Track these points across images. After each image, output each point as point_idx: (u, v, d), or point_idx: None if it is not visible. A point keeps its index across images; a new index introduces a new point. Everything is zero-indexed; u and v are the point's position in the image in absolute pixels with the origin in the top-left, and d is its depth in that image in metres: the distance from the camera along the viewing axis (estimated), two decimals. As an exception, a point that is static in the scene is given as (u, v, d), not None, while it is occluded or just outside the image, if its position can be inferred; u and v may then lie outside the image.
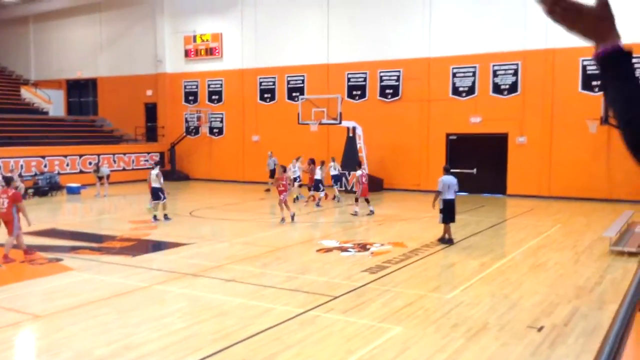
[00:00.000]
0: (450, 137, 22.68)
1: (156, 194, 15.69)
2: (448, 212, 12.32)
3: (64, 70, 32.55)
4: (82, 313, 7.68)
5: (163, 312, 7.91)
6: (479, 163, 21.38)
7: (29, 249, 11.28)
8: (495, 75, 21.69)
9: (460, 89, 22.37)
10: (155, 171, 15.89)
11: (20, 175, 21.60)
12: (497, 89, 21.68)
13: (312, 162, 19.72)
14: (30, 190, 21.39)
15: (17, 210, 10.92)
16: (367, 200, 16.73)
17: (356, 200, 16.70)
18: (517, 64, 21.19)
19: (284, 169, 16.18)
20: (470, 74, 22.17)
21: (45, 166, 23.69)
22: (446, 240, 12.43)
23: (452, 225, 12.56)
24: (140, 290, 8.89)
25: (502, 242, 13.81)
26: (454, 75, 22.42)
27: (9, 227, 10.86)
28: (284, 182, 15.29)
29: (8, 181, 11.83)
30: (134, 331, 6.95)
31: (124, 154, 27.55)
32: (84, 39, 31.89)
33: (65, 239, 13.15)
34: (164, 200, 15.67)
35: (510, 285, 9.19)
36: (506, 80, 21.49)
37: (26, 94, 31.18)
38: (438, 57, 22.58)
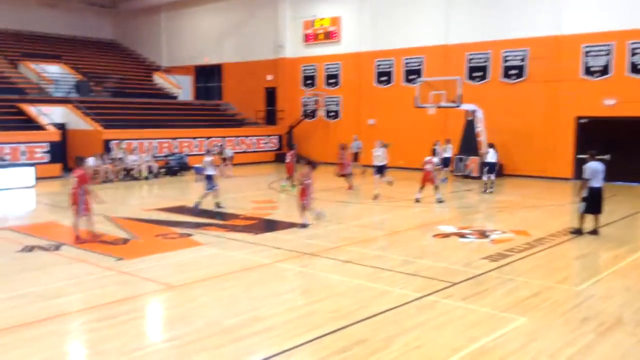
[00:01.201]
0: (581, 121, 21.23)
1: (209, 182, 14.84)
2: (594, 202, 11.50)
3: (192, 57, 34.45)
4: (211, 285, 8.17)
5: (284, 288, 8.21)
6: (613, 149, 19.78)
7: (95, 235, 11.07)
8: (633, 54, 19.92)
9: (593, 68, 20.82)
10: (209, 158, 15.15)
11: (153, 156, 23.32)
12: (634, 68, 19.92)
13: (343, 147, 19.54)
14: (163, 170, 22.99)
15: (85, 192, 10.79)
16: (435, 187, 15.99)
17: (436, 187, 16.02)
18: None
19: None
20: (605, 52, 20.54)
21: (175, 148, 25.34)
22: (583, 232, 11.56)
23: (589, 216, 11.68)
24: (263, 266, 9.28)
25: (638, 233, 12.77)
26: (586, 54, 20.90)
27: (74, 208, 10.79)
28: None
29: (80, 161, 11.42)
30: (259, 304, 7.28)
31: (246, 136, 28.78)
32: (210, 27, 33.52)
33: (193, 215, 14.01)
34: (215, 188, 14.84)
35: (648, 281, 8.49)
36: (646, 59, 19.68)
37: (158, 79, 33.44)
38: (568, 35, 21.14)
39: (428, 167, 15.95)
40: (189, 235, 11.62)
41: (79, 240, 10.76)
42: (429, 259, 9.80)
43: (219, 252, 10.25)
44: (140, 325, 6.88)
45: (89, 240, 10.80)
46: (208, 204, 14.83)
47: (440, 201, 15.75)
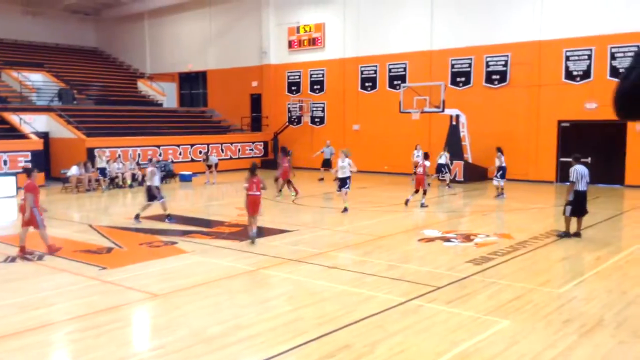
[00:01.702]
0: (563, 125, 21.50)
1: (150, 194, 13.84)
2: (580, 205, 11.66)
3: (176, 64, 34.38)
4: (196, 293, 8.14)
5: (269, 295, 8.20)
6: (594, 152, 20.06)
7: (26, 249, 10.50)
8: (613, 58, 20.24)
9: (574, 73, 21.11)
10: (150, 168, 14.20)
11: (137, 164, 23.19)
12: (615, 72, 20.21)
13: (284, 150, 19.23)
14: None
15: (35, 203, 10.37)
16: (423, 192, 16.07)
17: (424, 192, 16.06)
18: (638, 46, 19.60)
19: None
20: (586, 57, 20.84)
21: (160, 155, 25.23)
22: (571, 234, 11.71)
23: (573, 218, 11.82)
24: (247, 273, 9.26)
25: (620, 235, 12.95)
26: (567, 58, 21.19)
27: (32, 221, 10.38)
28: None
29: (28, 172, 10.95)
30: (243, 312, 7.27)
31: (231, 143, 28.74)
32: (194, 34, 33.48)
33: (178, 223, 13.95)
34: (161, 200, 13.83)
35: (629, 281, 8.61)
36: (626, 63, 19.94)
37: (142, 86, 33.32)
38: (549, 40, 21.43)
39: (420, 170, 16.05)
40: (174, 243, 11.58)
41: (51, 249, 10.49)
42: (414, 263, 9.86)
43: (204, 259, 10.22)
44: (124, 334, 6.83)
45: (20, 254, 10.34)
46: (194, 211, 14.77)
47: (423, 206, 15.83)
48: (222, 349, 6.09)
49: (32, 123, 23.26)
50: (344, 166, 15.24)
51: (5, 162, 20.71)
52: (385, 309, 7.31)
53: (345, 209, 15.16)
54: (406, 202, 16.11)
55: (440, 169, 20.46)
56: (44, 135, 23.36)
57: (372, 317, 7.02)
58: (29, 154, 21.46)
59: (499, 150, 17.95)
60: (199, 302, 7.74)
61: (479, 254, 10.36)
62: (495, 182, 17.80)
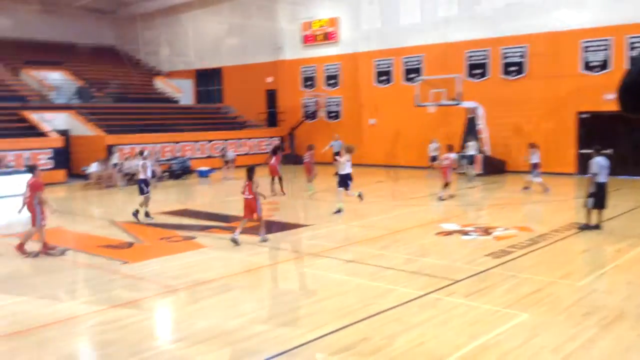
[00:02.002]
0: (582, 116, 21.24)
1: (140, 187, 13.82)
2: (600, 197, 11.55)
3: (192, 61, 34.55)
4: (214, 287, 8.22)
5: (287, 288, 8.26)
6: (615, 143, 19.77)
7: (48, 245, 10.49)
8: (631, 48, 19.91)
9: (592, 63, 20.83)
10: (141, 162, 14.21)
11: (157, 160, 23.40)
12: (635, 62, 19.91)
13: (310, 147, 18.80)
14: (165, 174, 23.08)
15: (39, 201, 10.40)
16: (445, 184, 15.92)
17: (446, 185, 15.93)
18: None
19: None
20: (603, 47, 20.55)
21: (178, 151, 25.44)
22: (591, 227, 11.62)
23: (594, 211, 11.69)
24: (265, 267, 9.33)
25: (641, 227, 12.78)
26: (585, 49, 20.92)
27: (32, 217, 10.44)
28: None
29: (32, 169, 11.03)
30: (261, 305, 7.33)
31: (248, 138, 28.87)
32: (209, 31, 33.61)
33: (197, 218, 14.07)
34: (145, 194, 13.75)
35: (651, 274, 8.52)
36: (646, 53, 19.68)
37: (159, 84, 33.55)
38: (567, 31, 21.15)
39: (446, 162, 15.97)
40: (193, 238, 11.69)
41: (21, 250, 10.36)
42: (432, 257, 9.84)
43: (222, 254, 10.31)
44: (145, 327, 6.93)
45: (43, 251, 10.36)
46: (212, 207, 14.87)
47: (441, 199, 15.74)
48: (242, 341, 6.15)
49: (53, 121, 23.57)
50: (343, 162, 14.35)
51: (27, 160, 21.01)
52: (403, 302, 7.32)
53: (339, 210, 13.98)
54: (440, 198, 15.92)
55: (470, 160, 20.31)
56: (64, 133, 23.66)
57: (391, 310, 7.03)
58: (51, 151, 21.77)
59: (533, 146, 17.35)
60: (217, 296, 7.81)
61: (498, 247, 10.30)
62: (536, 180, 17.02)
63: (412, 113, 24.13)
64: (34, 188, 10.50)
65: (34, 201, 10.40)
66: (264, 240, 10.99)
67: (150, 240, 11.64)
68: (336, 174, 15.20)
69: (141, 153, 15.14)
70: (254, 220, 11.27)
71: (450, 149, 16.67)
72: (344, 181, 14.30)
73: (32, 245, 10.54)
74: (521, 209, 15.01)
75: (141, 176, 13.86)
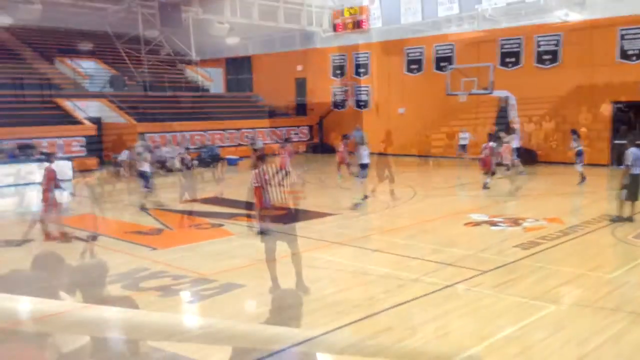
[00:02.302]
0: (617, 106, 20.70)
1: (143, 179, 13.66)
2: (634, 189, 11.26)
3: (223, 50, 34.71)
4: (242, 274, 8.31)
5: (313, 277, 8.28)
6: (651, 133, 19.24)
7: (51, 234, 10.56)
8: (672, 35, 19.32)
9: (629, 52, 20.25)
10: (145, 154, 14.09)
11: (187, 148, 23.66)
12: (674, 50, 19.31)
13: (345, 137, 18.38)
14: (195, 162, 23.31)
15: (55, 188, 10.42)
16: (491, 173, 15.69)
17: (492, 173, 15.76)
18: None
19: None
20: (642, 35, 19.97)
21: (207, 140, 25.68)
22: (624, 219, 11.35)
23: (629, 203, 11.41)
24: (292, 255, 9.35)
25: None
26: (622, 37, 20.33)
27: (44, 204, 10.57)
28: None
29: (49, 157, 11.09)
30: (287, 294, 7.34)
31: (277, 127, 28.94)
32: (239, 19, 33.63)
33: (225, 206, 14.22)
34: (146, 187, 13.70)
35: (685, 268, 8.29)
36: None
37: (189, 72, 33.84)
38: (603, 18, 20.58)
39: (486, 152, 15.77)
40: (221, 225, 11.82)
41: (48, 237, 10.45)
42: (459, 247, 9.75)
43: (249, 241, 10.36)
44: (174, 313, 7.05)
45: (53, 238, 10.43)
46: (240, 195, 14.93)
47: (486, 187, 15.50)
48: (264, 329, 6.20)
49: (86, 109, 24.03)
50: (361, 153, 14.16)
51: (60, 147, 21.50)
52: (429, 292, 7.28)
53: (357, 204, 13.56)
54: (484, 186, 15.67)
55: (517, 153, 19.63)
56: (97, 121, 24.11)
57: (416, 300, 7.01)
58: (83, 139, 22.23)
59: (575, 132, 16.84)
60: (245, 283, 7.90)
61: (527, 238, 10.15)
62: (578, 168, 16.54)
63: (442, 102, 23.85)
64: (50, 177, 10.57)
65: (49, 188, 10.47)
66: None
67: (178, 227, 11.81)
68: (360, 164, 14.75)
69: (142, 144, 14.63)
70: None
71: (491, 138, 16.43)
72: (362, 172, 14.17)
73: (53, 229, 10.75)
74: (552, 200, 14.72)
75: (141, 168, 13.67)
